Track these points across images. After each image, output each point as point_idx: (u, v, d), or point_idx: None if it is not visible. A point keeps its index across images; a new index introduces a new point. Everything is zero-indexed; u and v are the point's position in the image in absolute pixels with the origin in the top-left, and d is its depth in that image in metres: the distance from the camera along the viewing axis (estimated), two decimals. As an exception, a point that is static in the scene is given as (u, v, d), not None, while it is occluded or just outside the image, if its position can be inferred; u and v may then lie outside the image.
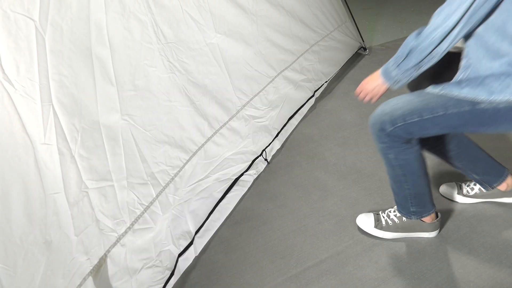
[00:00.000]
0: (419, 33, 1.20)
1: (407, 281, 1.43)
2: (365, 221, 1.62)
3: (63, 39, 1.29)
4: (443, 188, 1.78)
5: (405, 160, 1.39)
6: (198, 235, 1.58)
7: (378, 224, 1.60)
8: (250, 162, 1.92)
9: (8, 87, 1.13)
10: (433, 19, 1.16)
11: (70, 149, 1.27)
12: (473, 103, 1.20)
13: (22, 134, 1.16)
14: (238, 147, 1.93)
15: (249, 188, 1.86)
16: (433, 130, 1.30)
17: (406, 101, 1.30)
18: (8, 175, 1.10)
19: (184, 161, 1.69)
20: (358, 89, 1.39)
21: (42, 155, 1.19)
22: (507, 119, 1.19)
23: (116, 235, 1.36)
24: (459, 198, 1.73)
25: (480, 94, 1.19)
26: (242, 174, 1.87)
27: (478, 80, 1.21)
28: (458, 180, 1.76)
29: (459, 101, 1.21)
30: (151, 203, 1.51)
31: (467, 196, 1.72)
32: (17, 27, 1.17)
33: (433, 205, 1.54)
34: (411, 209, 1.53)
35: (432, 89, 1.28)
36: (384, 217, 1.60)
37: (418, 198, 1.51)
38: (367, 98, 1.37)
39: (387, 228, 1.58)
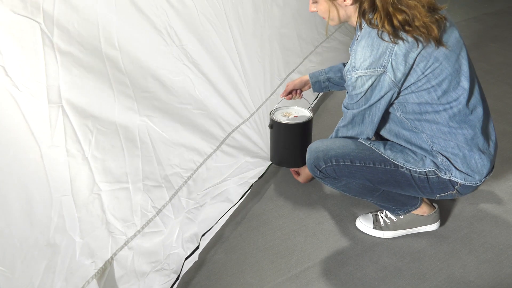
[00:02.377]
0: None
1: (407, 281, 1.43)
2: (364, 223, 1.62)
3: (71, 40, 1.26)
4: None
5: (345, 185, 1.46)
6: (204, 237, 1.56)
7: (377, 224, 1.60)
8: (268, 165, 1.89)
9: (12, 89, 1.12)
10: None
11: (82, 150, 1.25)
12: (395, 165, 1.35)
13: (27, 136, 1.14)
14: (254, 150, 1.91)
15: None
16: (360, 179, 1.41)
17: (341, 145, 1.40)
18: (8, 177, 1.09)
19: (198, 164, 1.66)
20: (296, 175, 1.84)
21: (48, 157, 1.17)
22: (418, 185, 1.35)
23: (125, 238, 1.34)
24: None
25: (398, 159, 1.35)
26: (258, 178, 1.82)
27: (400, 147, 1.38)
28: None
29: (386, 159, 1.35)
30: (164, 206, 1.49)
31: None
32: (22, 29, 1.15)
33: (414, 197, 1.53)
34: (394, 208, 1.54)
35: (364, 141, 1.39)
36: (382, 217, 1.60)
37: (390, 201, 1.52)
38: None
39: (386, 227, 1.58)
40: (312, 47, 2.63)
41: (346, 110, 1.36)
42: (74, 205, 1.22)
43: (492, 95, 2.60)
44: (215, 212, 1.63)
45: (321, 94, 2.58)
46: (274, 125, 1.78)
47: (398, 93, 1.26)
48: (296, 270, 1.48)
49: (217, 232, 1.62)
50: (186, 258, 1.45)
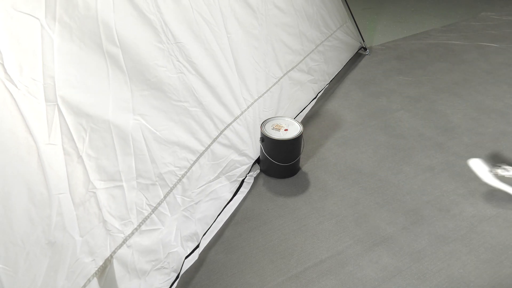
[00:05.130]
0: None
1: (407, 281, 1.43)
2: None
3: (73, 37, 1.26)
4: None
5: None
6: (204, 236, 1.57)
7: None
8: (252, 163, 1.92)
9: (10, 87, 1.12)
10: None
11: (77, 149, 1.25)
12: None
13: (25, 134, 1.14)
14: (241, 148, 1.93)
15: (249, 189, 1.86)
16: None
17: None
18: (10, 176, 1.10)
19: (191, 162, 1.67)
20: None
21: (46, 155, 1.18)
22: None
23: (122, 236, 1.35)
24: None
25: None
26: (246, 176, 1.86)
27: None
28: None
29: None
30: (159, 204, 1.50)
31: None
32: (21, 26, 1.15)
33: None
34: None
35: None
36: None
37: None
38: None
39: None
40: (314, 45, 2.63)
41: None
42: (72, 203, 1.22)
43: (492, 95, 2.60)
44: (211, 210, 1.64)
45: (319, 94, 2.59)
46: (266, 140, 1.86)
47: None
48: (296, 270, 1.49)
49: (217, 232, 1.63)
50: (186, 257, 1.45)
